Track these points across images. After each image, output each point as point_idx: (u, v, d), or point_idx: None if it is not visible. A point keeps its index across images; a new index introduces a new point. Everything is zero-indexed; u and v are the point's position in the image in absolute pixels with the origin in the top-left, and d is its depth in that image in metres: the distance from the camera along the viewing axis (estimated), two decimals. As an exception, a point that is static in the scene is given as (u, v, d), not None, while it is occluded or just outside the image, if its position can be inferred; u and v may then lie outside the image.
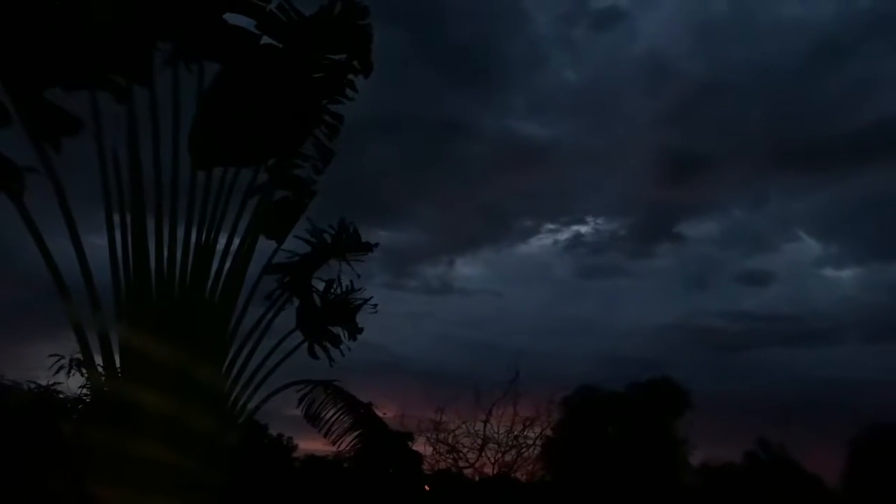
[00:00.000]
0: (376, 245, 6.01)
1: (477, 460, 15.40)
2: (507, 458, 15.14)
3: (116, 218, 4.49)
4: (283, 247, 5.53)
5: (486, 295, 34.52)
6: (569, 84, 32.10)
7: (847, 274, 35.13)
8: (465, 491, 15.44)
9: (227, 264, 4.77)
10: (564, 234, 35.30)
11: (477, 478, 15.41)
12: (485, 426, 15.25)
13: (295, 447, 18.69)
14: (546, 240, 35.73)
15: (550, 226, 35.77)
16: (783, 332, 31.26)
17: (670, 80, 31.07)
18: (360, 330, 5.98)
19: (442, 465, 15.69)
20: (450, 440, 15.56)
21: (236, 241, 4.87)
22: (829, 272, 35.30)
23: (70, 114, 4.37)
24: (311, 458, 17.85)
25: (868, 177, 31.45)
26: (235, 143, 4.72)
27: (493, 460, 15.26)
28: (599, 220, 34.16)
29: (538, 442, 15.17)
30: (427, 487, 16.32)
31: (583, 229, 34.55)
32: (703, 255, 34.38)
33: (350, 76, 5.07)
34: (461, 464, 15.52)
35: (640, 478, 14.40)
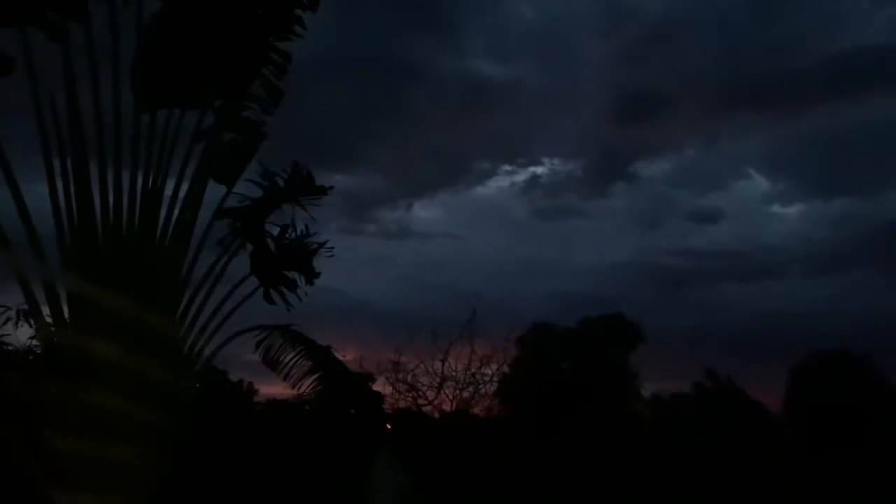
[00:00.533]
0: (331, 188, 5.92)
1: (435, 398, 15.78)
2: (465, 395, 15.59)
3: (57, 165, 4.31)
4: (234, 191, 5.40)
5: (443, 238, 34.66)
6: (525, 23, 31.63)
7: (793, 210, 36.17)
8: (426, 428, 15.82)
9: (177, 210, 4.66)
10: (521, 176, 35.43)
11: (436, 415, 15.81)
12: (443, 365, 15.58)
13: (256, 392, 18.78)
14: (503, 182, 35.86)
15: (507, 167, 35.86)
16: (732, 268, 32.25)
17: (626, 19, 30.90)
18: (317, 275, 5.94)
19: (402, 404, 16.00)
20: (409, 380, 15.85)
21: (185, 187, 4.75)
22: (776, 209, 36.31)
23: (1, 52, 4.11)
24: (273, 402, 17.99)
25: (815, 116, 32.13)
26: (179, 83, 4.54)
27: (451, 398, 15.67)
28: (556, 162, 34.34)
29: (495, 379, 15.66)
30: (388, 426, 16.67)
31: (539, 170, 34.71)
32: (657, 195, 34.96)
33: (297, 12, 4.89)
34: (420, 402, 15.86)
35: (594, 410, 14.96)
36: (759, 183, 35.11)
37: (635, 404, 16.84)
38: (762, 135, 35.51)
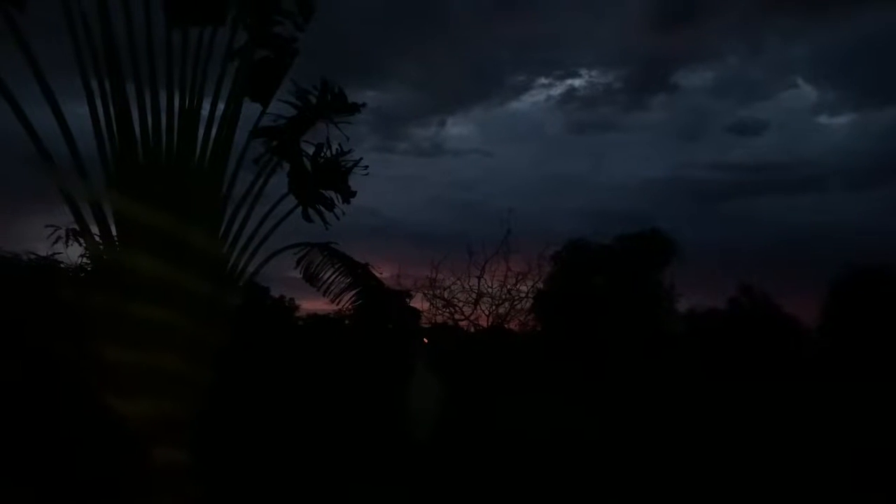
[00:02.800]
0: (363, 105, 5.86)
1: (472, 313, 16.08)
2: (501, 311, 15.84)
3: (95, 86, 4.36)
4: (268, 110, 5.40)
5: (476, 155, 34.30)
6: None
7: (842, 121, 34.75)
8: (462, 341, 16.20)
9: (214, 129, 4.71)
10: (558, 89, 34.47)
11: (472, 329, 16.16)
12: (479, 282, 15.79)
13: (297, 307, 19.35)
14: (539, 95, 35.08)
15: (543, 80, 34.96)
16: (773, 182, 31.50)
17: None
18: (353, 193, 5.98)
19: (439, 319, 16.36)
20: (445, 296, 16.15)
21: (221, 107, 4.78)
22: (823, 119, 34.88)
23: None
24: (314, 317, 18.55)
25: (868, 18, 30.20)
26: (209, -1, 4.47)
27: (487, 313, 15.96)
28: (594, 73, 33.32)
29: (530, 295, 15.84)
30: (426, 340, 17.13)
31: (577, 83, 33.89)
32: (697, 106, 33.82)
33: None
34: (457, 317, 16.20)
35: (627, 325, 15.10)
36: (807, 92, 33.68)
37: (669, 319, 16.92)
38: (811, 41, 33.72)
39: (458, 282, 15.97)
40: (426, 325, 16.59)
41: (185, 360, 4.38)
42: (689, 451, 9.45)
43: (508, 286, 15.68)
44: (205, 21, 4.54)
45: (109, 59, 4.31)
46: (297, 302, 19.74)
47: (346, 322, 15.83)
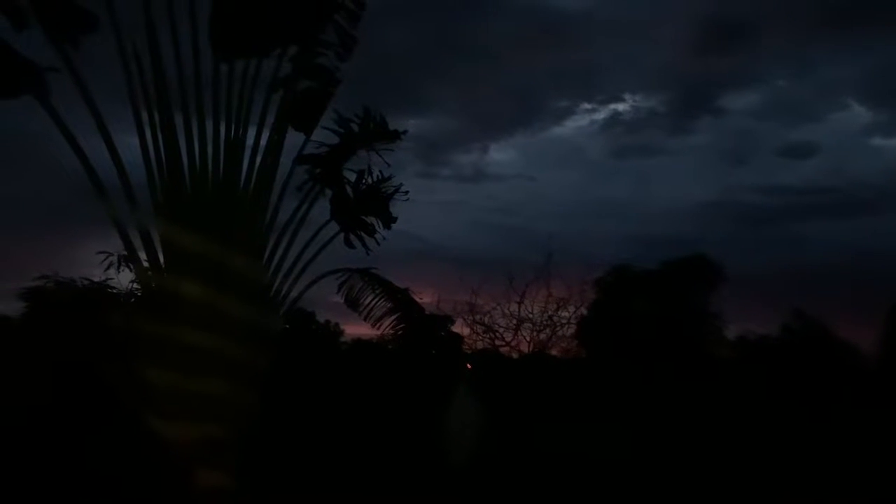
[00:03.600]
0: (404, 133, 5.94)
1: (513, 339, 15.92)
2: (542, 336, 15.65)
3: (145, 116, 4.52)
4: (312, 138, 5.51)
5: (519, 180, 34.20)
6: (602, -50, 30.00)
7: (896, 142, 33.49)
8: (502, 367, 16.03)
9: (259, 158, 4.82)
10: (601, 114, 34.20)
11: (514, 355, 15.99)
12: (519, 307, 15.64)
13: (342, 332, 19.48)
14: (582, 120, 34.79)
15: (587, 105, 34.66)
16: (824, 205, 30.49)
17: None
18: (394, 219, 6.04)
19: (479, 345, 16.26)
20: (486, 321, 16.04)
21: (265, 136, 4.89)
22: (877, 141, 33.76)
23: (85, 9, 4.28)
24: (358, 342, 18.65)
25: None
26: (254, 32, 4.61)
27: (528, 339, 15.78)
28: (637, 97, 32.92)
29: (572, 321, 15.62)
30: (469, 365, 17.03)
31: (620, 107, 33.42)
32: (744, 129, 33.08)
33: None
34: (498, 343, 16.06)
35: (674, 352, 14.74)
36: (859, 113, 32.66)
37: (719, 346, 16.44)
38: (863, 60, 32.80)
39: (499, 307, 15.89)
40: (468, 351, 16.51)
41: (230, 384, 4.44)
42: (737, 478, 9.12)
43: (550, 311, 15.56)
44: (250, 54, 4.67)
45: (159, 90, 4.48)
46: (342, 327, 19.94)
47: (389, 347, 15.86)
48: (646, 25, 32.52)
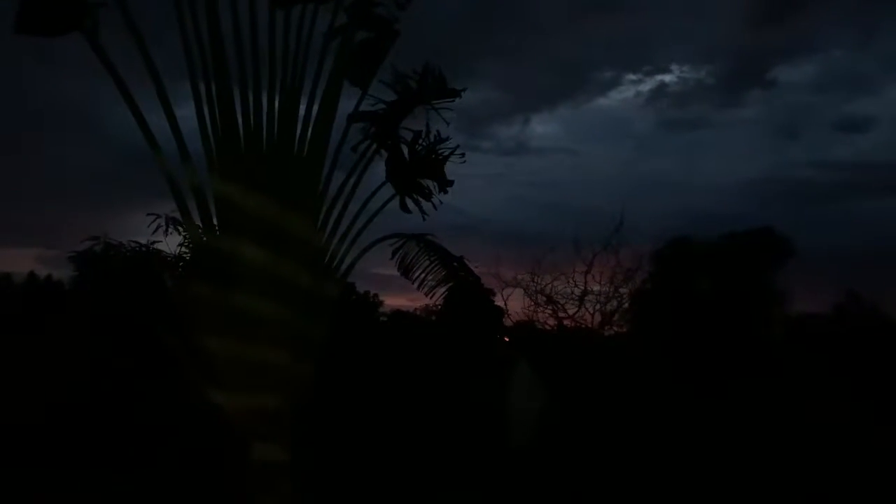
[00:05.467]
0: (464, 90, 5.59)
1: (577, 312, 15.42)
2: (605, 309, 15.10)
3: (199, 66, 4.26)
4: (367, 94, 5.21)
5: (562, 154, 33.52)
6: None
7: (961, 116, 31.79)
8: (563, 342, 15.63)
9: (314, 111, 4.54)
10: (647, 85, 33.31)
11: (574, 329, 15.36)
12: (585, 277, 15.13)
13: (381, 303, 19.42)
14: (627, 92, 34.00)
15: (632, 76, 33.95)
16: (881, 181, 29.19)
17: None
18: (451, 182, 5.71)
19: (542, 318, 15.79)
20: (549, 292, 15.56)
21: (321, 90, 4.60)
22: (941, 114, 32.07)
23: None
24: (397, 313, 18.57)
25: None
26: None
27: (591, 312, 15.31)
28: (685, 69, 31.99)
29: (628, 297, 15.01)
30: (506, 339, 16.75)
31: (667, 78, 32.58)
32: (797, 102, 31.81)
33: None
34: (561, 315, 15.60)
35: (737, 330, 14.10)
36: (921, 86, 31.01)
37: (783, 325, 15.76)
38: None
39: (563, 276, 15.35)
40: (510, 325, 16.22)
41: (284, 353, 4.23)
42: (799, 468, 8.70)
43: (615, 283, 14.98)
44: (306, -1, 4.36)
45: (213, 38, 4.21)
46: (381, 298, 19.87)
47: (433, 318, 15.66)
48: (697, -7, 31.24)
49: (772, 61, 34.26)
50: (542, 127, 34.80)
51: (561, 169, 33.05)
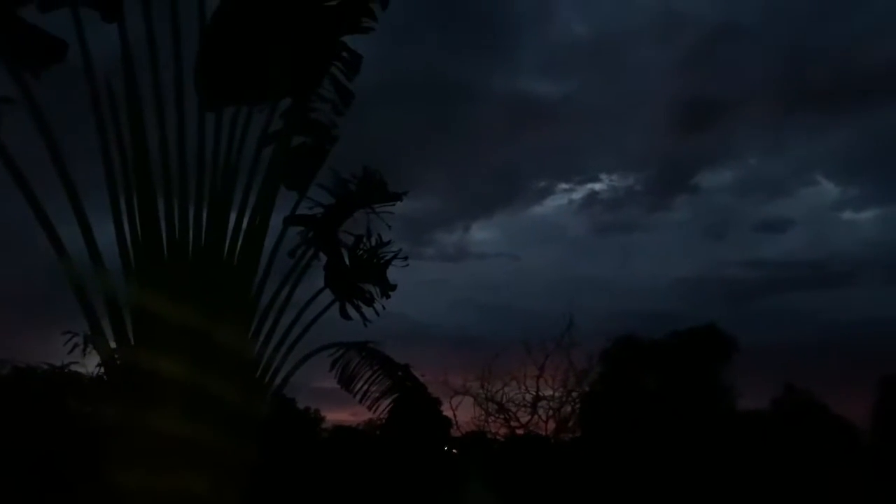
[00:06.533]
0: (405, 193, 5.48)
1: (530, 421, 14.96)
2: (563, 413, 14.64)
3: (119, 171, 3.97)
4: (305, 198, 5.02)
5: (502, 258, 34.06)
6: (578, 38, 31.01)
7: (867, 216, 34.21)
8: (492, 451, 15.09)
9: (246, 218, 4.26)
10: (579, 193, 34.61)
11: (521, 434, 14.85)
12: (538, 382, 14.79)
13: (322, 419, 18.45)
14: (561, 199, 35.07)
15: (564, 185, 35.02)
16: (804, 278, 30.63)
17: (680, 27, 29.98)
18: (394, 287, 5.49)
19: (493, 427, 15.27)
20: (499, 398, 15.11)
21: (254, 195, 4.35)
22: (848, 215, 34.45)
23: (52, 36, 3.79)
24: (339, 429, 17.62)
25: (886, 116, 30.44)
26: (246, 78, 4.15)
27: (545, 419, 14.84)
28: (614, 177, 33.33)
29: (576, 398, 14.72)
30: (454, 451, 16.10)
31: (597, 187, 33.78)
32: (721, 205, 33.61)
33: (370, 3, 4.48)
34: (514, 425, 15.09)
35: (685, 427, 13.89)
36: (828, 189, 33.46)
37: (730, 421, 15.69)
38: (829, 138, 33.83)
39: (515, 382, 14.95)
40: (458, 436, 15.61)
41: (209, 480, 3.73)
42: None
43: (569, 387, 14.69)
44: (240, 101, 4.20)
45: (135, 142, 3.95)
46: (322, 413, 18.90)
47: (377, 433, 14.89)
48: (623, 107, 33.39)
49: (695, 168, 36.31)
50: (482, 233, 35.49)
51: (502, 273, 33.47)
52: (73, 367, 7.61)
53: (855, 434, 21.70)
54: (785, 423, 20.09)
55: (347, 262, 5.27)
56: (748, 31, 28.94)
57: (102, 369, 6.27)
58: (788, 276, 30.54)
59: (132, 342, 3.84)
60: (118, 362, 3.84)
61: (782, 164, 34.76)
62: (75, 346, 6.95)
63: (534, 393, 14.87)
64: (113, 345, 3.89)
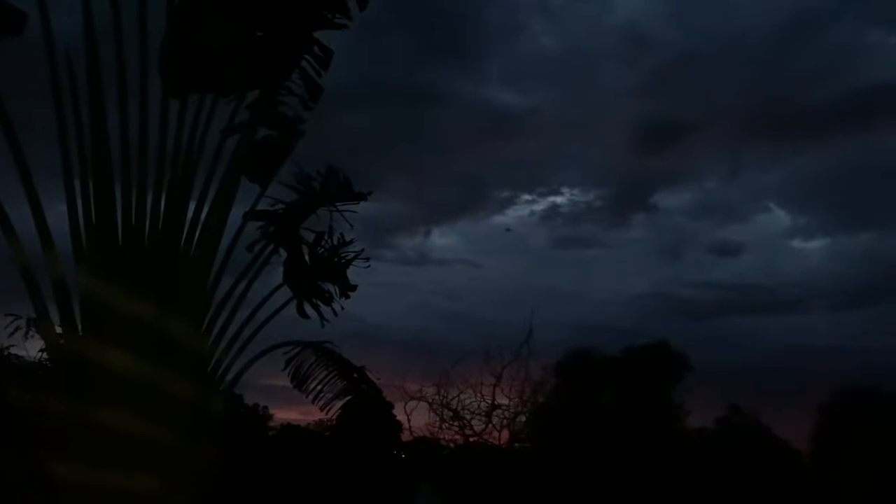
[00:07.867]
0: (369, 193, 5.44)
1: (484, 430, 14.99)
2: (518, 423, 14.69)
3: (74, 152, 3.84)
4: (266, 193, 4.93)
5: (462, 265, 34.18)
6: (546, 52, 31.37)
7: (815, 245, 35.44)
8: (441, 458, 15.09)
9: (205, 209, 4.16)
10: (541, 206, 35.00)
11: (477, 444, 14.89)
12: (494, 391, 14.82)
13: (271, 417, 18.19)
14: (522, 210, 35.35)
15: (527, 196, 35.34)
16: (753, 302, 31.50)
17: (647, 50, 30.57)
18: (354, 287, 5.43)
19: (448, 435, 15.25)
20: (454, 406, 15.10)
21: (214, 186, 4.26)
22: (797, 243, 35.60)
23: (12, 6, 3.63)
24: (288, 428, 17.39)
25: (837, 149, 31.58)
26: (213, 65, 4.06)
27: (499, 428, 14.86)
28: (575, 192, 33.80)
29: (527, 410, 14.83)
30: (403, 455, 16.03)
31: (558, 200, 34.20)
32: (677, 226, 34.39)
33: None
34: (468, 433, 15.07)
35: (639, 443, 14.10)
36: (780, 217, 34.51)
37: (681, 439, 15.99)
38: (783, 168, 34.94)
39: (471, 389, 14.96)
40: (408, 441, 15.56)
41: (158, 480, 3.61)
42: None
43: (524, 397, 14.75)
44: (206, 88, 4.10)
45: (95, 125, 3.83)
46: (271, 411, 18.61)
47: (327, 434, 14.73)
48: (587, 124, 33.89)
49: (654, 187, 37.09)
50: (443, 239, 35.59)
51: (462, 280, 33.59)
52: (13, 351, 7.36)
53: (795, 456, 22.37)
54: (729, 442, 20.58)
55: (308, 259, 5.19)
56: (710, 59, 29.64)
57: (45, 354, 6.09)
58: (739, 300, 31.39)
59: (79, 329, 3.71)
60: (64, 349, 3.70)
61: (738, 190, 35.78)
62: (17, 328, 6.71)
63: (489, 401, 14.91)
64: (59, 330, 3.76)
